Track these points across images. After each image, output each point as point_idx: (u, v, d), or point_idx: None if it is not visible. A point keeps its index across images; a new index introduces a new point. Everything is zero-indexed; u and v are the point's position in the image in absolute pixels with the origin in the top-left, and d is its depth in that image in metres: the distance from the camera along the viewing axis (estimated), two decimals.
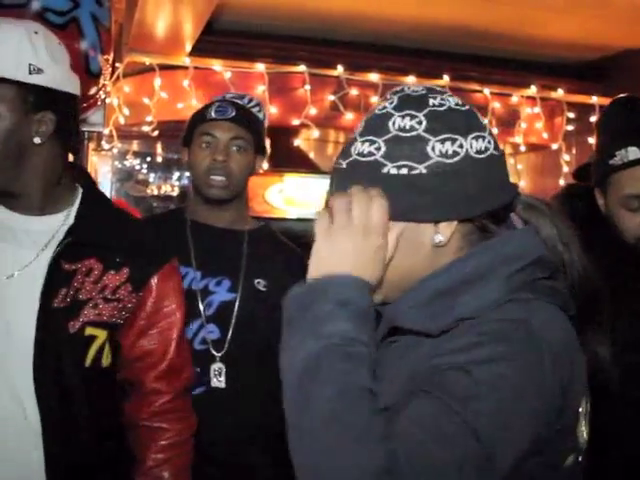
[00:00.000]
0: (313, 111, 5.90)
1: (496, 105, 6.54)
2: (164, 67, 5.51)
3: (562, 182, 6.86)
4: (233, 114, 2.67)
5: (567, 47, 6.38)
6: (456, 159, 1.23)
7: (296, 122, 5.95)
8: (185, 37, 5.24)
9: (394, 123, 1.25)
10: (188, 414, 2.05)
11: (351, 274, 1.15)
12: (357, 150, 1.27)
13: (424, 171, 1.22)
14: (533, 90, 6.54)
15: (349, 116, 6.02)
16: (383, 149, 1.24)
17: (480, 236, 1.30)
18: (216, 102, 2.73)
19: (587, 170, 4.03)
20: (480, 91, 6.45)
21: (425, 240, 1.27)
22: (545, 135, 6.80)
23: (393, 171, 1.23)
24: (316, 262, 1.20)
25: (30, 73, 1.75)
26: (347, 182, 1.24)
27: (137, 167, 9.02)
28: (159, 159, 8.49)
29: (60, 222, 1.88)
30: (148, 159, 9.62)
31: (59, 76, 1.84)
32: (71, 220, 1.89)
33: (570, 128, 6.79)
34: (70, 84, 1.87)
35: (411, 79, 6.07)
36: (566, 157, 6.89)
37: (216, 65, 5.64)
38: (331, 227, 1.20)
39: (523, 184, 7.98)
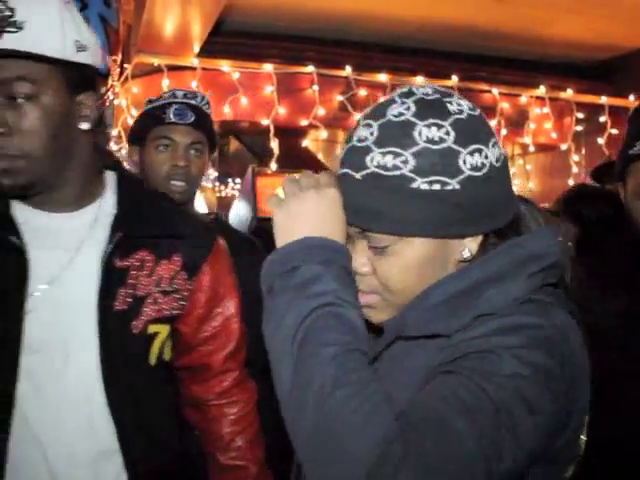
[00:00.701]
0: (321, 112, 5.89)
1: (505, 105, 6.53)
2: (172, 68, 5.50)
3: (571, 182, 6.85)
4: (193, 119, 2.63)
5: (576, 47, 6.37)
6: (484, 171, 1.18)
7: (304, 123, 5.94)
8: (193, 38, 5.24)
9: (420, 134, 1.16)
10: (249, 382, 2.04)
11: (324, 236, 1.15)
12: (377, 162, 1.17)
13: (457, 186, 1.16)
14: (542, 90, 6.53)
15: (357, 116, 6.00)
16: (412, 163, 1.15)
17: (497, 244, 1.26)
18: (173, 104, 2.64)
19: (603, 170, 4.07)
20: (489, 91, 6.45)
21: (452, 256, 1.23)
22: (554, 135, 6.78)
23: (424, 187, 1.15)
24: (281, 232, 1.18)
25: (77, 51, 1.60)
26: (368, 196, 1.18)
27: None
28: None
29: (94, 213, 1.74)
30: None
31: (98, 53, 1.70)
32: (109, 209, 1.75)
33: (579, 128, 6.78)
34: (104, 61, 1.76)
35: (420, 79, 6.07)
36: (575, 157, 6.88)
37: (224, 66, 5.64)
38: (284, 199, 1.19)
39: (532, 185, 7.97)
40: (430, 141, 1.15)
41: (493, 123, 6.52)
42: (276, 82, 5.74)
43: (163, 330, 1.79)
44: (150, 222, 1.79)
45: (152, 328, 1.76)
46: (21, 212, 1.69)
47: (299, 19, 5.79)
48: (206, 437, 2.00)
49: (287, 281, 1.14)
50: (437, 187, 1.15)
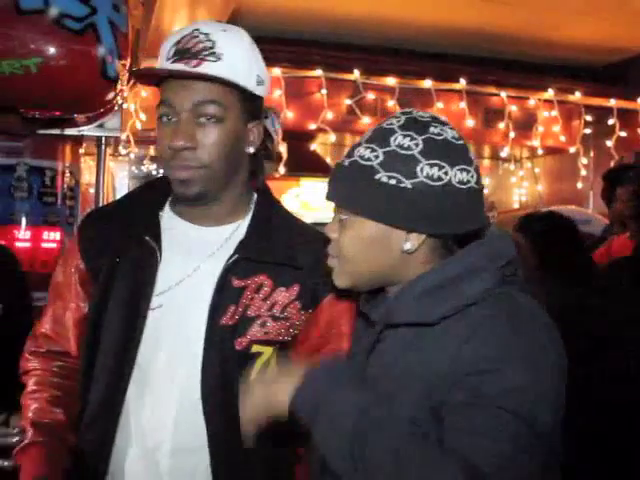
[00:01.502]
0: (330, 115, 5.90)
1: (513, 108, 6.52)
2: None
3: (580, 185, 6.85)
4: None
5: (584, 50, 6.37)
6: (439, 183, 1.44)
7: (313, 126, 5.94)
8: None
9: (395, 139, 1.47)
10: None
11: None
12: (359, 153, 1.51)
13: (409, 186, 1.44)
14: (550, 93, 6.52)
15: (365, 120, 6.02)
16: (380, 158, 1.47)
17: (442, 254, 1.53)
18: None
19: (615, 174, 4.16)
20: (497, 94, 6.44)
21: (395, 245, 1.50)
22: (562, 138, 6.77)
23: (384, 179, 1.45)
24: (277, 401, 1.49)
25: (257, 84, 1.83)
26: (345, 178, 1.52)
27: (154, 172, 9.02)
28: None
29: (232, 231, 1.90)
30: None
31: (269, 86, 1.94)
32: (242, 232, 1.88)
33: (588, 131, 6.77)
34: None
35: (428, 83, 6.07)
36: (584, 160, 6.87)
37: None
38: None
39: (540, 188, 7.96)
40: (400, 146, 1.46)
41: (501, 126, 6.52)
42: (284, 86, 5.74)
43: (266, 351, 1.85)
44: (273, 250, 1.87)
45: (256, 348, 1.84)
46: (169, 221, 1.92)
47: (307, 23, 5.80)
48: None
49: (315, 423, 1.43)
50: (393, 182, 1.45)
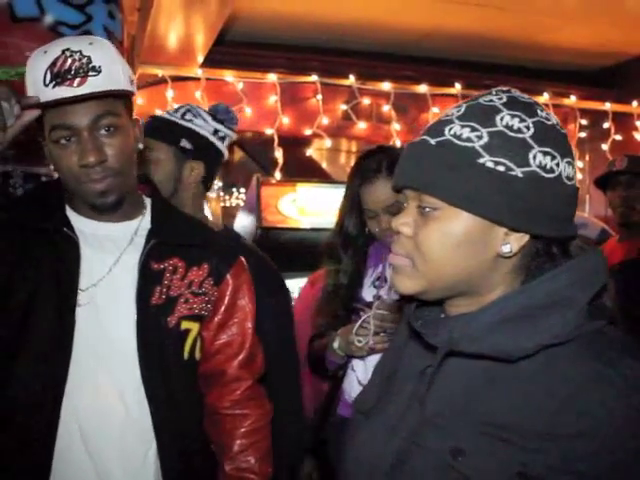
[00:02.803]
0: (325, 121, 5.89)
1: None
2: (176, 79, 5.51)
3: None
4: (162, 137, 2.73)
5: (580, 54, 6.38)
6: (551, 176, 1.21)
7: (308, 132, 5.95)
8: (197, 48, 5.25)
9: (502, 119, 1.22)
10: (264, 400, 2.18)
11: None
12: (453, 132, 1.23)
13: (520, 175, 1.19)
14: (545, 97, 6.52)
15: (361, 125, 6.02)
16: (485, 139, 1.21)
17: (539, 263, 1.28)
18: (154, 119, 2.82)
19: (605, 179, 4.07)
20: None
21: (492, 246, 1.25)
22: None
23: (489, 164, 1.20)
24: None
25: (131, 84, 1.94)
26: (435, 160, 1.23)
27: None
28: None
29: (135, 227, 2.01)
30: None
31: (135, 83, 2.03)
32: (147, 224, 2.02)
33: (583, 135, 6.77)
34: None
35: (423, 88, 6.07)
36: (579, 164, 6.86)
37: (228, 76, 5.64)
38: None
39: None
40: (509, 127, 1.21)
41: None
42: (280, 92, 5.75)
43: (194, 327, 2.00)
44: (180, 233, 2.06)
45: (185, 324, 1.98)
46: (75, 219, 1.95)
47: (302, 29, 5.80)
48: (218, 448, 2.11)
49: None
50: (501, 169, 1.19)
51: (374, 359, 2.65)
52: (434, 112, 6.10)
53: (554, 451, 1.13)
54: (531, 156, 1.20)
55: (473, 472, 1.17)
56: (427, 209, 1.25)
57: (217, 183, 7.92)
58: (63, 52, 1.78)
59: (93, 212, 1.94)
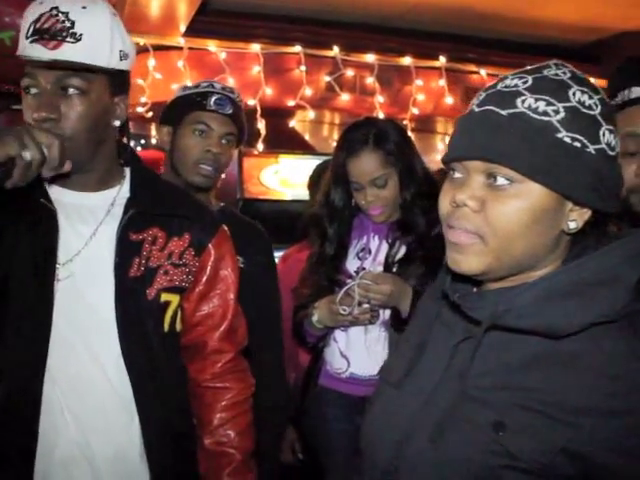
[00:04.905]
0: (308, 92, 5.85)
1: None
2: (158, 48, 5.45)
3: None
4: (231, 111, 2.76)
5: (564, 29, 6.35)
6: (613, 153, 1.23)
7: (291, 103, 5.91)
8: (179, 17, 5.18)
9: (574, 94, 1.22)
10: (246, 374, 2.16)
11: None
12: (528, 104, 1.21)
13: (593, 152, 1.20)
14: None
15: (344, 97, 5.99)
16: (562, 114, 1.20)
17: (589, 239, 1.29)
18: (213, 93, 2.77)
19: None
20: (477, 72, 6.41)
21: (560, 221, 1.24)
22: None
23: (567, 139, 1.19)
24: None
25: (120, 60, 1.85)
26: (510, 132, 1.20)
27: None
28: (153, 141, 8.50)
29: (113, 196, 1.96)
30: (142, 141, 9.55)
31: (134, 59, 1.94)
32: (125, 194, 1.97)
33: None
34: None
35: (407, 60, 6.05)
36: None
37: (211, 46, 5.59)
38: None
39: None
40: (581, 104, 1.21)
41: None
42: (263, 62, 5.70)
43: (174, 300, 1.97)
44: (161, 203, 2.00)
45: (164, 296, 1.94)
46: (50, 189, 1.90)
47: None
48: (198, 421, 2.09)
49: None
50: (578, 145, 1.19)
51: (356, 330, 2.66)
52: (418, 85, 6.08)
53: (601, 428, 1.13)
54: (601, 133, 1.21)
55: (515, 446, 1.18)
56: (500, 182, 1.22)
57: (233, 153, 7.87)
58: (51, 10, 1.74)
59: (61, 178, 1.87)
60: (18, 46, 1.79)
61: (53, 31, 1.73)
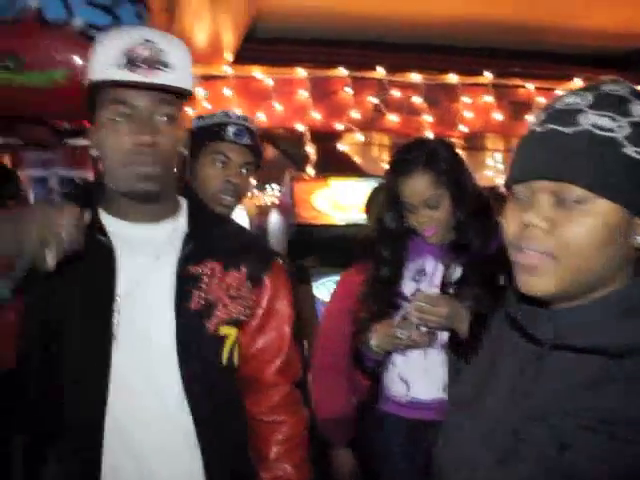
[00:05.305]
0: (356, 114, 5.86)
1: (541, 100, 6.45)
2: (206, 77, 5.51)
3: None
4: (249, 141, 2.82)
5: (609, 37, 6.29)
6: None
7: (339, 126, 5.92)
8: (225, 46, 5.25)
9: (636, 109, 1.21)
10: (301, 406, 2.14)
11: None
12: (592, 121, 1.19)
13: None
14: (576, 83, 6.44)
15: (392, 118, 5.99)
16: (627, 130, 1.18)
17: None
18: (231, 123, 2.83)
19: None
20: (522, 86, 6.37)
21: (630, 239, 1.21)
22: None
23: (634, 155, 1.17)
24: None
25: (193, 83, 1.91)
26: (576, 150, 1.18)
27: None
28: None
29: (172, 228, 1.95)
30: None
31: None
32: (183, 225, 1.97)
33: None
34: None
35: (453, 77, 6.03)
36: None
37: (257, 72, 5.63)
38: None
39: None
40: None
41: (529, 118, 6.46)
42: (310, 87, 5.72)
43: (232, 332, 1.95)
44: (218, 236, 2.01)
45: (223, 330, 1.92)
46: (106, 221, 1.90)
47: (329, 22, 5.77)
48: (256, 456, 2.06)
49: None
50: None
51: (415, 354, 2.64)
52: (465, 102, 6.05)
53: None
54: None
55: (580, 467, 1.16)
56: (569, 201, 1.19)
57: (252, 181, 7.92)
58: (143, 41, 1.79)
59: (128, 208, 1.89)
60: (92, 78, 1.82)
61: (151, 61, 1.77)
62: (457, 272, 2.67)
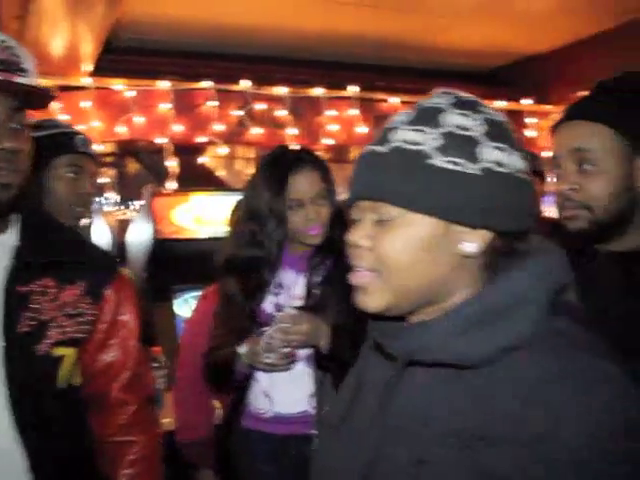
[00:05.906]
0: (219, 127, 5.79)
1: None
2: (63, 88, 5.32)
3: None
4: (93, 150, 2.88)
5: (471, 54, 6.47)
6: (504, 170, 1.19)
7: (203, 139, 5.84)
8: (84, 56, 5.08)
9: (451, 119, 1.20)
10: (152, 424, 2.06)
11: None
12: (402, 137, 1.20)
13: (475, 172, 1.17)
14: None
15: (256, 131, 5.95)
16: (439, 141, 1.18)
17: (503, 260, 1.25)
18: (75, 133, 2.83)
19: None
20: (385, 100, 6.45)
21: (456, 246, 1.21)
22: None
23: (441, 164, 1.16)
24: None
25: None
26: (386, 167, 1.20)
27: None
28: None
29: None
30: None
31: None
32: (12, 242, 1.81)
33: None
34: None
35: (319, 91, 6.05)
36: None
37: (117, 84, 5.49)
38: None
39: None
40: (459, 126, 1.19)
41: None
42: (173, 99, 5.63)
43: (69, 353, 1.81)
44: (51, 250, 1.86)
45: (58, 351, 1.78)
46: None
47: (193, 34, 5.71)
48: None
49: None
50: (455, 167, 1.16)
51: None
52: (330, 115, 6.08)
53: (518, 455, 1.10)
54: (484, 152, 1.18)
55: None
56: (383, 219, 1.21)
57: (114, 196, 7.74)
58: (2, 41, 1.69)
59: None
60: None
61: (7, 62, 1.68)
62: (320, 274, 2.65)
